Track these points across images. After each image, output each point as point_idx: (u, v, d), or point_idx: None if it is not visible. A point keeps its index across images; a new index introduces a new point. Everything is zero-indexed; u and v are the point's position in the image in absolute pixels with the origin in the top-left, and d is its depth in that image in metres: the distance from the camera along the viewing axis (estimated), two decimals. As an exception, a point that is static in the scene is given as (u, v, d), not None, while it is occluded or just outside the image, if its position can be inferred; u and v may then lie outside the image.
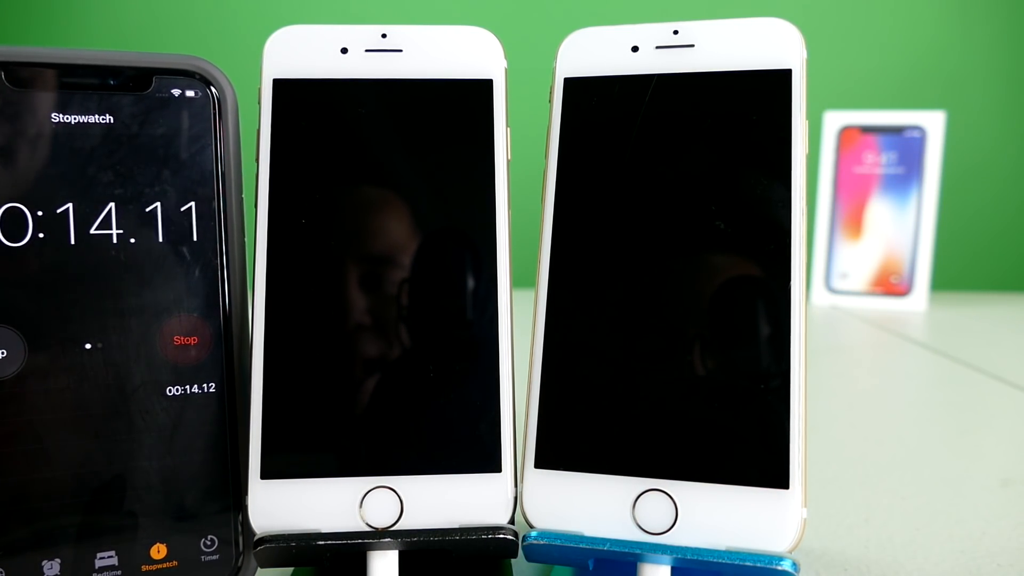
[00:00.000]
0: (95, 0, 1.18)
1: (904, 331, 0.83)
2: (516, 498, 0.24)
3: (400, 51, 0.25)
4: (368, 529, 0.23)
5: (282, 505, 0.23)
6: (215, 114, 0.24)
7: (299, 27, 0.25)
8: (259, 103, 0.24)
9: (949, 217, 1.08)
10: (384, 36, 0.25)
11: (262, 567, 0.24)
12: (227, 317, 0.25)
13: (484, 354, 0.24)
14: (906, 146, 0.96)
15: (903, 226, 0.97)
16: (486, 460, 0.23)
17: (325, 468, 0.23)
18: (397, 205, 0.25)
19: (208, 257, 0.25)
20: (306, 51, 0.25)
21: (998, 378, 0.62)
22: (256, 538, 0.23)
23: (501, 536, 0.23)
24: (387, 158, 0.25)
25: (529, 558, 0.23)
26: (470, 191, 0.25)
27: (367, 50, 0.25)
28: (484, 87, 0.25)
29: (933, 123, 0.95)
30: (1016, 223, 1.16)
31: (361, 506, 0.23)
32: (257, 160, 0.24)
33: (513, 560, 0.27)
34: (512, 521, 0.24)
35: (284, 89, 0.24)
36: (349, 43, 0.25)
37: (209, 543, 0.25)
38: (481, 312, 0.24)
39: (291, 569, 0.26)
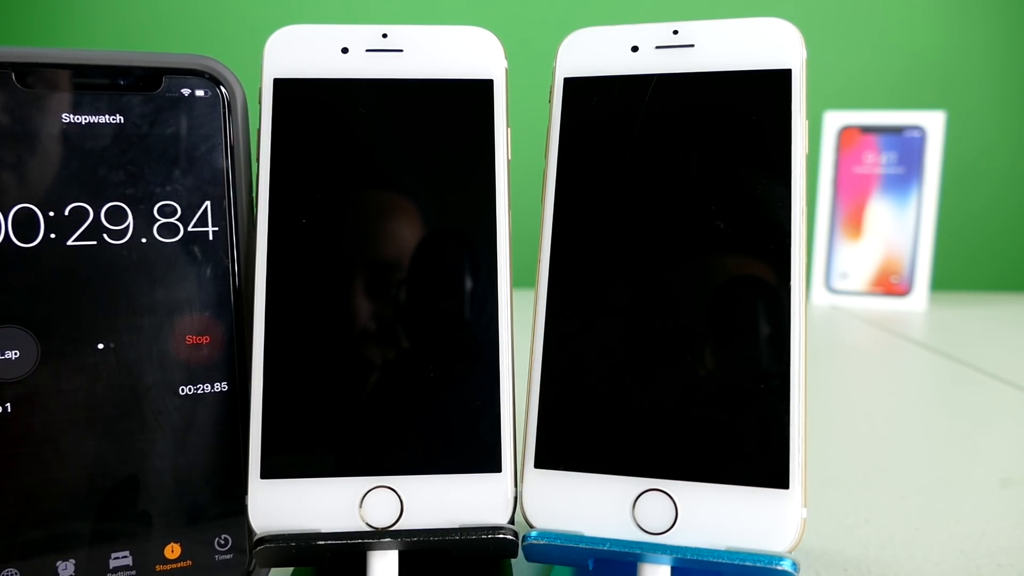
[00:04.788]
0: (95, 1, 1.18)
1: (904, 331, 0.83)
2: (516, 498, 0.24)
3: (401, 51, 0.25)
4: (368, 529, 0.23)
5: (282, 505, 0.23)
6: (225, 113, 0.24)
7: (300, 27, 0.25)
8: (260, 103, 0.24)
9: (949, 217, 1.08)
10: (385, 36, 0.25)
11: (262, 567, 0.24)
12: (238, 316, 0.25)
13: (484, 354, 0.24)
14: (906, 146, 0.96)
15: (903, 226, 0.97)
16: (486, 460, 0.23)
17: (325, 468, 0.23)
18: (397, 205, 0.25)
19: (219, 256, 0.25)
20: (307, 51, 0.25)
21: (998, 378, 0.62)
22: (256, 538, 0.23)
23: (501, 536, 0.23)
24: (387, 158, 0.25)
25: (529, 558, 0.23)
26: (470, 191, 0.25)
27: (368, 50, 0.25)
28: (485, 87, 0.25)
29: (933, 123, 0.95)
30: (1016, 223, 1.16)
31: (361, 506, 0.23)
32: (257, 160, 0.24)
33: (513, 560, 0.27)
34: (512, 521, 0.24)
35: (285, 88, 0.24)
36: (350, 43, 0.25)
37: (223, 542, 0.25)
38: (481, 312, 0.24)
39: (291, 569, 0.26)
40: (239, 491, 0.25)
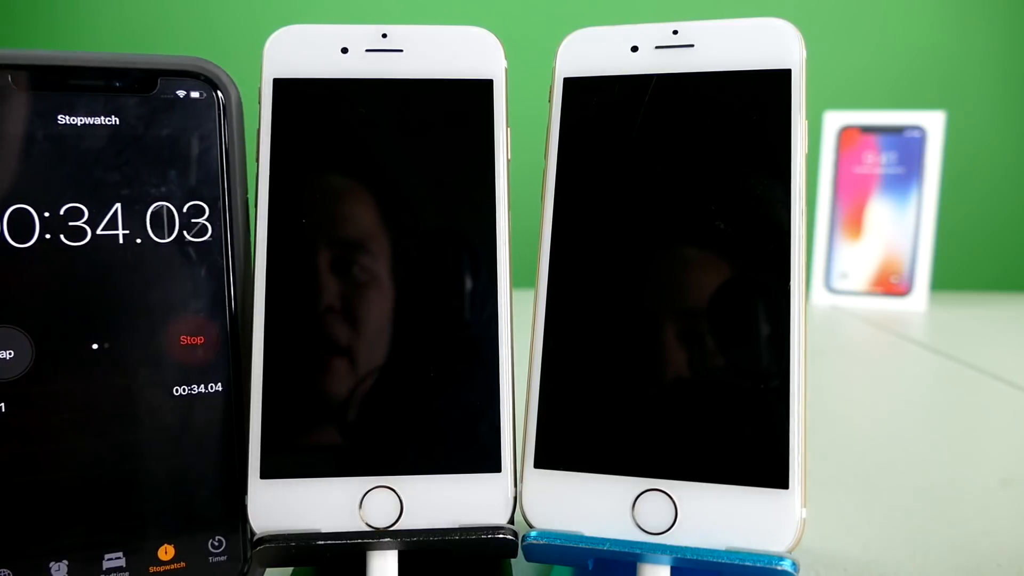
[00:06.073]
0: (95, 1, 1.18)
1: (904, 331, 0.83)
2: (516, 498, 0.24)
3: (400, 51, 0.25)
4: (368, 529, 0.23)
5: (282, 505, 0.23)
6: (220, 115, 0.25)
7: (299, 27, 0.25)
8: (259, 103, 0.24)
9: (949, 217, 1.08)
10: (384, 36, 0.25)
11: (261, 567, 0.24)
12: (233, 317, 0.25)
13: (484, 354, 0.24)
14: (906, 146, 0.96)
15: (903, 226, 0.97)
16: (486, 460, 0.23)
17: (325, 468, 0.23)
18: (397, 205, 0.25)
19: (214, 257, 0.25)
20: (306, 51, 0.25)
21: (998, 378, 0.62)
22: (256, 538, 0.23)
23: (501, 536, 0.23)
24: (387, 158, 0.25)
25: (529, 558, 0.23)
26: (470, 191, 0.25)
27: (367, 50, 0.25)
28: (484, 87, 0.25)
29: (933, 123, 0.95)
30: (1016, 223, 1.16)
31: (361, 506, 0.23)
32: (257, 160, 0.24)
33: (513, 560, 0.27)
34: (512, 521, 0.24)
35: (284, 89, 0.24)
36: (349, 43, 0.25)
37: (217, 544, 0.25)
38: (481, 312, 0.24)
39: (291, 569, 0.26)
40: (234, 493, 0.25)
